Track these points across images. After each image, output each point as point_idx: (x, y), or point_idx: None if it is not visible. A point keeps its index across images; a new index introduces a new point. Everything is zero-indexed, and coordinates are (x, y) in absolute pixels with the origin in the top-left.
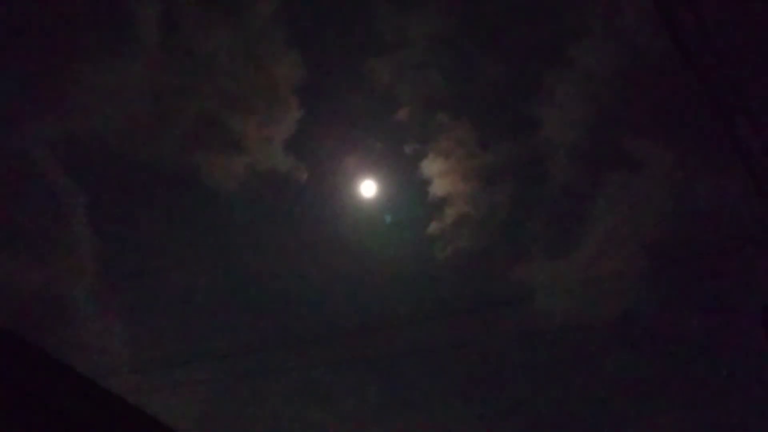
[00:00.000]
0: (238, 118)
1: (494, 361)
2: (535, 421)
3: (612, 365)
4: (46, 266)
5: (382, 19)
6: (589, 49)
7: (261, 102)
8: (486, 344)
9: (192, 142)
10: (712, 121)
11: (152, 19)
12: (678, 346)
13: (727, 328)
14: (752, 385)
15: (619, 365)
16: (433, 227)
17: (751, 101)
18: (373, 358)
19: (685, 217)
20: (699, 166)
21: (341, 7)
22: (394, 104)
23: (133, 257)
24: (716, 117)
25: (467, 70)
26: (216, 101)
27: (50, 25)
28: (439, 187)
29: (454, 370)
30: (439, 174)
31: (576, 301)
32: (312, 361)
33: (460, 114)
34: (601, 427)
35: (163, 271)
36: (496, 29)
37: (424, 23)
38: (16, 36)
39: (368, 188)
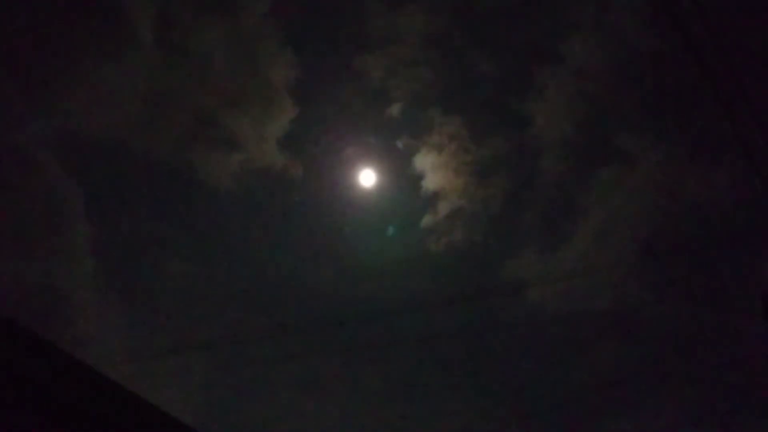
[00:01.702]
0: (233, 116)
1: (488, 351)
2: (528, 410)
3: (603, 356)
4: (47, 260)
5: (373, 16)
6: (579, 46)
7: (255, 100)
8: (479, 334)
9: (188, 140)
10: (715, 114)
11: (149, 19)
12: (668, 337)
13: (716, 319)
14: (743, 373)
15: (610, 356)
16: (427, 220)
17: (752, 93)
18: (367, 348)
19: (674, 210)
20: (688, 161)
21: (334, 6)
22: (387, 100)
23: (130, 251)
24: (719, 110)
25: (459, 66)
26: (211, 99)
27: (49, 26)
28: (432, 182)
29: (449, 360)
30: (432, 168)
31: (567, 293)
32: (307, 351)
33: (452, 109)
34: (593, 416)
35: (160, 263)
36: (487, 26)
37: (415, 20)
38: (16, 37)
39: (362, 183)
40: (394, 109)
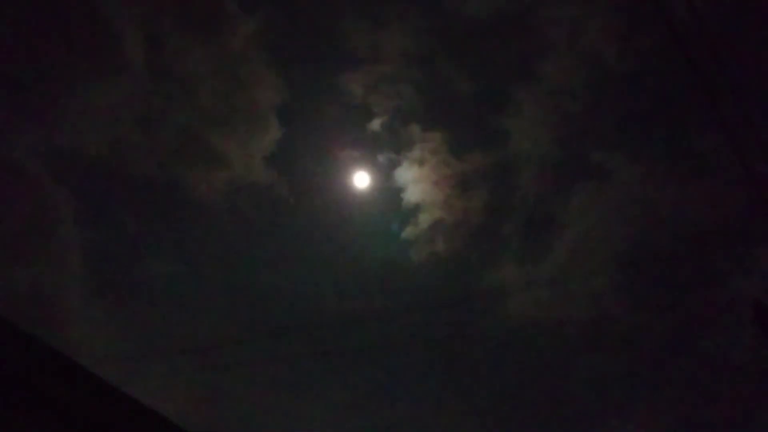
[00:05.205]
0: (220, 135)
1: (467, 358)
2: (506, 417)
3: (581, 365)
4: (38, 267)
5: (355, 36)
6: (555, 65)
7: (241, 119)
8: (459, 341)
9: (175, 157)
10: (688, 130)
11: (138, 40)
12: (645, 347)
13: (693, 329)
14: (721, 382)
15: (588, 365)
16: (409, 231)
17: (750, 105)
18: (352, 353)
19: (650, 222)
20: (663, 176)
21: (316, 26)
22: (369, 116)
23: (119, 258)
24: (693, 126)
25: (439, 83)
26: (198, 118)
27: (42, 47)
28: (413, 194)
29: (429, 366)
30: (413, 181)
31: (546, 302)
32: (294, 355)
33: (432, 125)
34: (570, 425)
35: (148, 269)
36: (466, 45)
37: (396, 39)
38: (9, 56)
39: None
40: (376, 125)
